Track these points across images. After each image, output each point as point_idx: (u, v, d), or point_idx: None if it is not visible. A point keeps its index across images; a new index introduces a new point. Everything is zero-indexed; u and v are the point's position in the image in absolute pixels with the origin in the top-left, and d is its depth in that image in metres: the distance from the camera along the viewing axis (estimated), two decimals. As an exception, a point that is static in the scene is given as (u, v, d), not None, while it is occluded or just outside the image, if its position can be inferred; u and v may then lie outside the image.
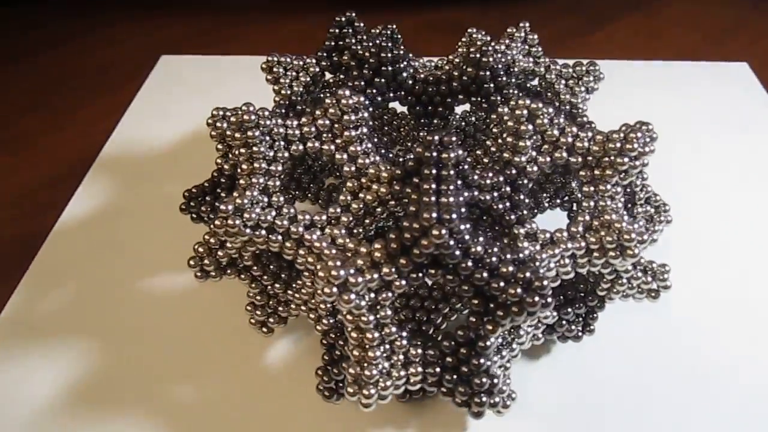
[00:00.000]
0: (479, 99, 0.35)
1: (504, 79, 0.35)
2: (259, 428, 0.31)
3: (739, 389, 0.33)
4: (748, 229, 0.41)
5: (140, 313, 0.37)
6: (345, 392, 0.27)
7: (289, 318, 0.33)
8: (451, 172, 0.27)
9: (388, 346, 0.27)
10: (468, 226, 0.26)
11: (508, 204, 0.30)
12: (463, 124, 0.40)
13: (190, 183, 0.36)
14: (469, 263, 0.26)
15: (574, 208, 0.36)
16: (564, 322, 0.32)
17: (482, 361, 0.27)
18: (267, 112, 0.30)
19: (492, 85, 0.35)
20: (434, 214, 0.25)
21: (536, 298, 0.25)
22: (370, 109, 0.32)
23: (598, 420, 0.31)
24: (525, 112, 0.30)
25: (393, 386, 0.27)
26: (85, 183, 0.46)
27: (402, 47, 0.40)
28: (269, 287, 0.32)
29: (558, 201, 0.37)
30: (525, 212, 0.30)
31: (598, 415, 0.32)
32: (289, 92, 0.37)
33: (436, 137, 0.28)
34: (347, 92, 0.30)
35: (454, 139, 0.28)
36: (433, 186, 0.27)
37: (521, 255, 0.27)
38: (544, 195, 0.37)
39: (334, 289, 0.25)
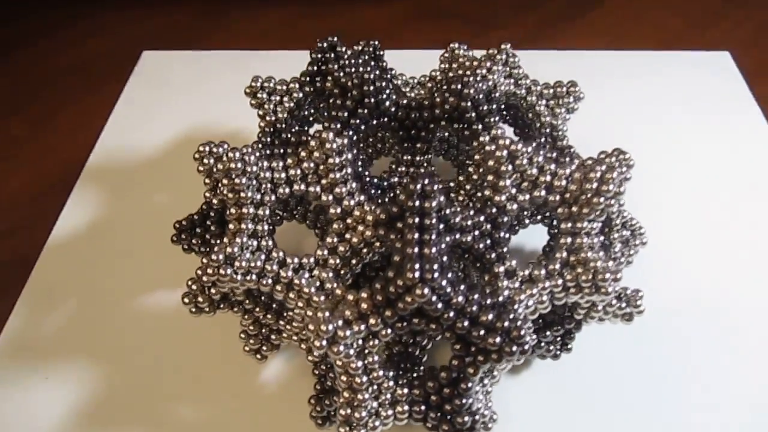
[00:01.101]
0: (461, 126, 0.36)
1: (485, 108, 0.35)
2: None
3: (718, 401, 0.35)
4: (726, 226, 0.43)
5: (136, 331, 0.38)
6: (337, 431, 0.28)
7: (281, 344, 0.35)
8: (434, 221, 0.28)
9: (375, 387, 0.29)
10: (450, 275, 0.27)
11: (488, 242, 0.31)
12: (446, 146, 0.41)
13: (181, 190, 0.37)
14: (451, 314, 0.27)
15: (554, 226, 0.37)
16: (543, 343, 0.34)
17: (464, 401, 0.28)
18: (252, 154, 0.31)
19: (473, 114, 0.35)
20: (417, 273, 0.26)
21: (514, 348, 0.27)
22: (354, 151, 0.33)
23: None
24: (505, 153, 0.31)
25: (381, 424, 0.29)
26: (74, 194, 0.47)
27: (385, 63, 0.40)
28: (261, 318, 0.34)
29: (539, 217, 0.39)
30: (504, 249, 0.31)
31: (578, 427, 0.34)
32: (273, 118, 0.38)
33: (419, 185, 0.28)
34: (330, 135, 0.31)
35: (435, 187, 0.28)
36: (416, 236, 0.28)
37: (501, 297, 0.29)
38: (525, 213, 0.38)
39: (324, 342, 0.27)
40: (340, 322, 0.27)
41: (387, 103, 0.36)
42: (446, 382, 0.28)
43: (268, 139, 0.37)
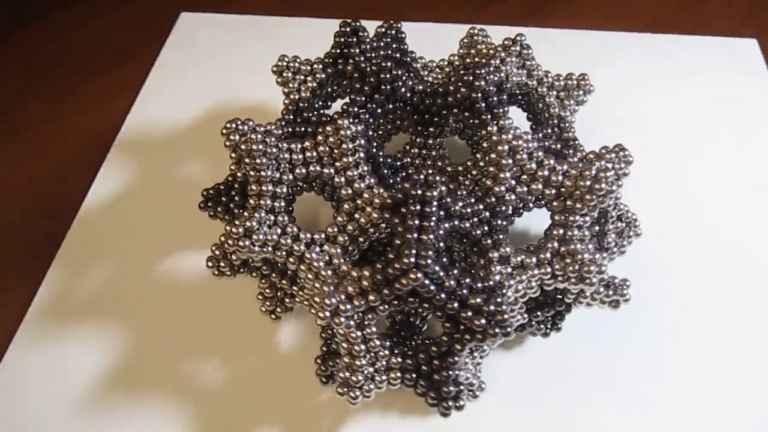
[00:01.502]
0: (472, 114, 0.38)
1: (495, 99, 0.37)
2: (266, 404, 0.37)
3: (702, 382, 0.37)
4: (728, 220, 0.44)
5: (162, 292, 0.41)
6: (336, 391, 0.32)
7: (294, 306, 0.38)
8: (434, 208, 0.31)
9: (372, 355, 0.32)
10: (444, 261, 0.30)
11: (486, 228, 0.34)
12: (462, 126, 0.43)
13: (210, 159, 0.40)
14: (442, 295, 0.30)
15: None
16: (534, 322, 0.37)
17: (451, 373, 0.31)
18: (273, 135, 0.34)
19: (483, 104, 0.37)
20: (412, 259, 0.29)
21: (497, 330, 0.29)
22: (368, 136, 0.35)
23: (567, 406, 0.36)
24: (506, 147, 0.33)
25: (375, 387, 0.32)
26: (107, 161, 0.49)
27: (406, 46, 0.42)
28: (277, 282, 0.37)
29: (543, 202, 0.41)
30: (501, 236, 0.34)
31: (566, 401, 0.36)
32: (297, 97, 0.40)
33: (422, 175, 0.31)
34: (346, 122, 0.33)
35: (438, 177, 0.31)
36: (416, 222, 0.30)
37: (492, 281, 0.31)
38: (524, 202, 0.40)
39: (327, 314, 0.30)
40: (343, 297, 0.30)
41: (402, 90, 0.38)
42: (436, 355, 0.32)
43: (291, 117, 0.40)
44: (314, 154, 0.34)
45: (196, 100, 0.53)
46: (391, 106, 0.38)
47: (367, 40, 0.40)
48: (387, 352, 0.32)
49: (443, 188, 0.31)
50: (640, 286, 0.38)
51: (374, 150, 0.38)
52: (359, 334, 0.31)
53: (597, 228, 0.37)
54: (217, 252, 0.36)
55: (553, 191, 0.33)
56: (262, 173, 0.33)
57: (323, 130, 0.34)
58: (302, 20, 0.60)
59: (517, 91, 0.41)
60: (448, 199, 0.32)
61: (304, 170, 0.34)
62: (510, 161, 0.33)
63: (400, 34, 0.42)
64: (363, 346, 0.31)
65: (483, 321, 0.29)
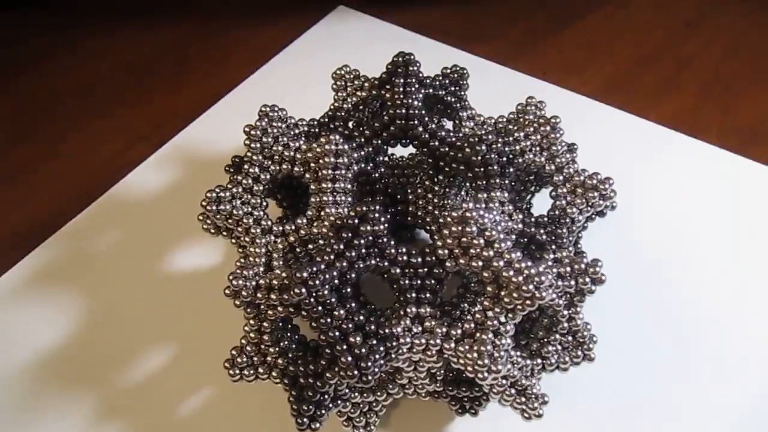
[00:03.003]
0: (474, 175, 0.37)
1: (495, 168, 0.36)
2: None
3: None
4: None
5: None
6: None
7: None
8: (362, 241, 0.32)
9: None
10: (348, 291, 0.32)
11: (416, 282, 0.34)
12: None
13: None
14: (328, 320, 0.31)
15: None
16: (446, 395, 0.36)
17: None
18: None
19: (482, 170, 0.37)
20: (305, 274, 0.30)
21: (354, 372, 0.30)
22: (355, 155, 0.37)
23: None
24: (457, 213, 0.33)
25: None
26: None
27: (464, 94, 0.43)
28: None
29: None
30: (427, 295, 0.33)
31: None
32: (341, 104, 0.43)
33: (365, 208, 0.32)
34: (336, 137, 0.36)
35: (381, 217, 0.33)
36: (340, 247, 0.32)
37: (388, 331, 0.32)
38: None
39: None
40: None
41: (417, 131, 0.39)
42: (311, 372, 0.33)
43: (326, 119, 0.42)
44: (302, 156, 0.37)
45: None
46: (401, 143, 0.40)
47: (421, 74, 0.41)
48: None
49: (382, 227, 0.32)
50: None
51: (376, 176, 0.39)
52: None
53: (539, 332, 0.35)
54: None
55: (492, 275, 0.32)
56: (254, 157, 0.37)
57: (320, 137, 0.37)
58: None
59: (534, 169, 0.40)
60: (385, 240, 0.33)
61: (288, 167, 0.37)
62: (458, 228, 0.32)
63: (462, 79, 0.43)
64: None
65: (349, 359, 0.30)
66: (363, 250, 0.32)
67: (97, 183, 0.52)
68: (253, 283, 0.33)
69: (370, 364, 0.30)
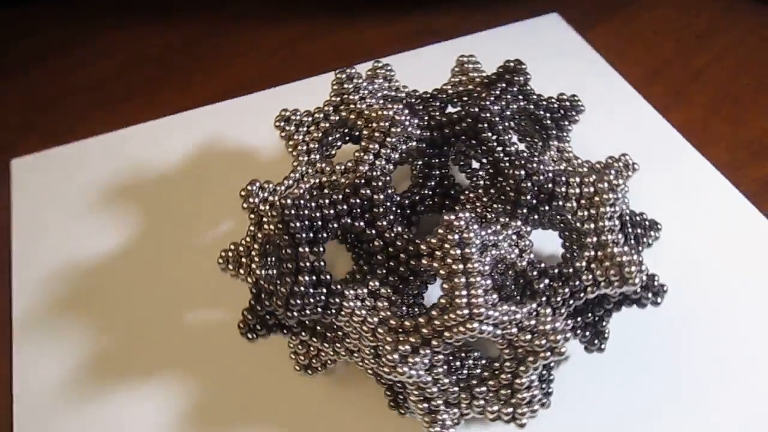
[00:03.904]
0: (478, 143, 0.39)
1: (500, 127, 0.39)
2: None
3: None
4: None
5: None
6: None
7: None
8: (474, 249, 0.32)
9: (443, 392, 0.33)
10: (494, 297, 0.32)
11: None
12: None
13: None
14: (498, 332, 0.32)
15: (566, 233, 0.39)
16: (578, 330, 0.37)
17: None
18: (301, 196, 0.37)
19: (490, 133, 0.39)
20: (465, 311, 0.31)
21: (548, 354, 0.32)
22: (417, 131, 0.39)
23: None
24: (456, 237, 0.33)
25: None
26: None
27: (397, 83, 0.44)
28: (307, 340, 0.37)
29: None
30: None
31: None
32: (304, 148, 0.41)
33: (462, 222, 0.32)
34: (400, 108, 0.38)
35: (471, 218, 0.33)
36: (461, 267, 0.32)
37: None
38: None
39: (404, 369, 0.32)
40: (409, 347, 0.32)
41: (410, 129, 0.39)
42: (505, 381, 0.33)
43: (304, 168, 0.40)
44: (344, 207, 0.34)
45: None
46: (404, 146, 0.39)
47: (364, 85, 0.41)
48: (456, 388, 0.34)
49: (382, 197, 0.34)
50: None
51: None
52: (429, 379, 0.32)
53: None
54: (249, 317, 0.37)
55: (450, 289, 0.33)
56: (297, 236, 0.33)
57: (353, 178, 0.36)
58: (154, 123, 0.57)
59: (516, 116, 0.42)
60: (483, 233, 0.34)
61: (335, 224, 0.34)
62: (443, 231, 0.33)
63: (389, 73, 0.43)
64: (435, 388, 0.33)
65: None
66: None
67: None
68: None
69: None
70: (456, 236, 0.33)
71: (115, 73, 0.63)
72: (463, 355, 0.35)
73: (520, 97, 0.41)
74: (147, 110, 0.58)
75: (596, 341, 0.38)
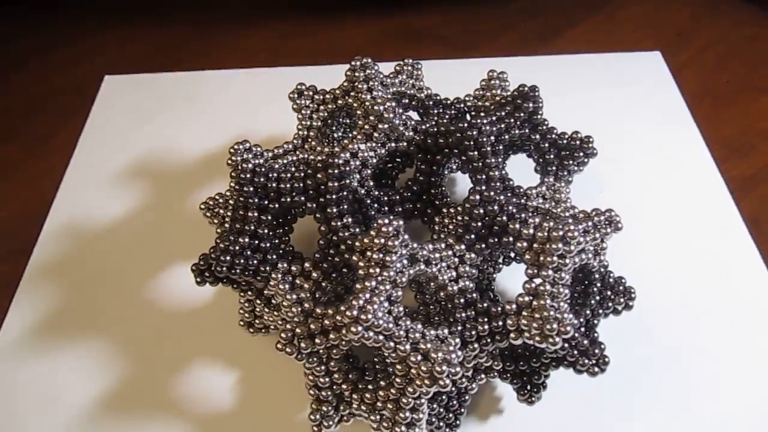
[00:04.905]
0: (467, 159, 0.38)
1: (487, 148, 0.38)
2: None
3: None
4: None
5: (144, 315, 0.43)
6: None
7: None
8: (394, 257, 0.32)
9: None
10: (399, 309, 0.32)
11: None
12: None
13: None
14: (390, 344, 0.32)
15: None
16: (507, 374, 0.36)
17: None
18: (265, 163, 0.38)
19: (475, 152, 0.38)
20: (354, 313, 0.31)
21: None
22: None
23: None
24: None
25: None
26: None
27: (422, 83, 0.44)
28: (254, 299, 0.39)
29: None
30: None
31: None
32: (308, 123, 0.42)
33: (390, 229, 0.33)
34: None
35: (400, 227, 0.33)
36: (377, 271, 0.32)
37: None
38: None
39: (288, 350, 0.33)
40: (305, 331, 0.32)
41: (401, 129, 0.39)
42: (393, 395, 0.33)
43: (300, 142, 0.42)
44: (300, 185, 0.36)
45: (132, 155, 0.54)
46: (394, 144, 0.40)
47: (381, 76, 0.41)
48: (346, 386, 0.34)
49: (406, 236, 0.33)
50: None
51: (366, 189, 0.39)
52: (322, 368, 0.33)
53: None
54: (201, 263, 0.38)
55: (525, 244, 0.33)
56: (248, 200, 0.36)
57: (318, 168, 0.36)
58: (229, 72, 0.61)
59: (518, 143, 0.41)
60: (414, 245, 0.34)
61: (287, 199, 0.36)
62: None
63: (416, 71, 0.43)
64: (327, 379, 0.34)
65: (425, 368, 0.31)
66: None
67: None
68: (300, 330, 0.33)
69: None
70: (381, 241, 0.33)
71: (96, 75, 0.61)
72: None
73: (526, 124, 0.40)
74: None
75: (526, 392, 0.36)
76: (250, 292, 0.39)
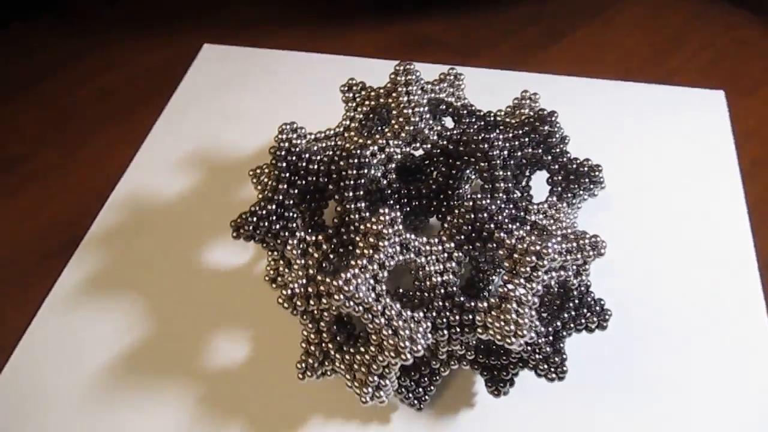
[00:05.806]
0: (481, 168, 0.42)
1: (497, 162, 0.41)
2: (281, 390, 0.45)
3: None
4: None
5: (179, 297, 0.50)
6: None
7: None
8: (386, 243, 0.37)
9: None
10: (381, 288, 0.37)
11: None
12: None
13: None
14: (369, 316, 0.36)
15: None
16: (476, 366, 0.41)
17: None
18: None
19: (485, 164, 0.41)
20: (339, 282, 0.35)
21: (402, 355, 0.36)
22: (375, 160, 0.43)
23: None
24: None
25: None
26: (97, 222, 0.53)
27: (462, 92, 0.48)
28: (279, 258, 0.44)
29: None
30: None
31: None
32: (352, 114, 0.47)
33: (387, 217, 0.37)
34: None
35: (397, 218, 0.38)
36: (369, 252, 0.37)
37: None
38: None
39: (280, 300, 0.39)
40: (302, 290, 0.39)
41: (426, 133, 0.43)
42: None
43: (341, 129, 0.47)
44: (323, 169, 0.41)
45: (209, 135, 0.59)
46: (419, 145, 0.44)
47: (422, 82, 0.45)
48: (330, 345, 0.39)
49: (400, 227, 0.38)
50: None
51: (388, 181, 0.44)
52: (314, 326, 0.39)
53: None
54: (239, 220, 0.42)
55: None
56: (281, 174, 0.41)
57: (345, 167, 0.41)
58: (326, 57, 0.66)
59: (533, 161, 0.44)
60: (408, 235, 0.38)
61: (313, 178, 0.42)
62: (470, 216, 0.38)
63: (458, 81, 0.47)
64: (316, 336, 0.39)
65: (391, 342, 0.35)
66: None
67: (114, 186, 0.55)
68: (299, 290, 0.39)
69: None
70: (378, 227, 0.38)
71: (123, 84, 0.65)
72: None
73: (541, 146, 0.43)
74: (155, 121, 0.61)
75: (493, 384, 0.40)
76: (275, 252, 0.44)
